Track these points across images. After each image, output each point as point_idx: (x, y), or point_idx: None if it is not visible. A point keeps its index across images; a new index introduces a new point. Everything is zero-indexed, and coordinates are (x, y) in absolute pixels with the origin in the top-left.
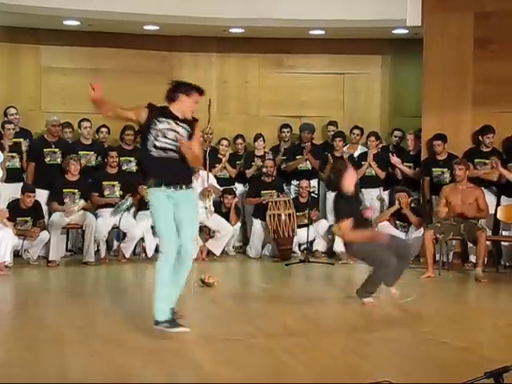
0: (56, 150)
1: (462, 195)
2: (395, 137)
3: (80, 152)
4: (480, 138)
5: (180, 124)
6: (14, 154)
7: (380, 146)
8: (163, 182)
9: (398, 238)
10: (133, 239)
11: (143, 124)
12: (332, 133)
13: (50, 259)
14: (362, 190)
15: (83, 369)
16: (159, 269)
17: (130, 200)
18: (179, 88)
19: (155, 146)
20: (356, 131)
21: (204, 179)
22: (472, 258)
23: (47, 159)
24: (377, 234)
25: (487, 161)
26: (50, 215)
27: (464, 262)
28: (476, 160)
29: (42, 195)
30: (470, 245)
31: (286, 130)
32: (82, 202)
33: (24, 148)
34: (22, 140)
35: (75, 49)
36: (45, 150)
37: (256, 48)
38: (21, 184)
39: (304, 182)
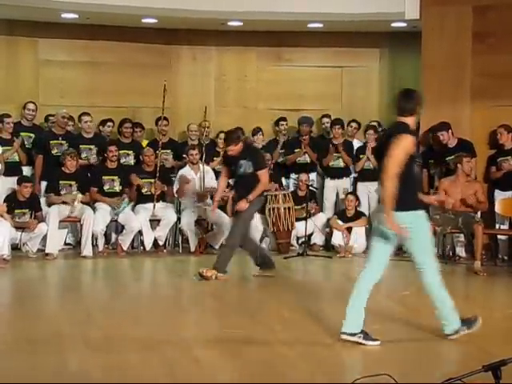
0: (63, 142)
1: (461, 188)
2: None
3: (81, 146)
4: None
5: None
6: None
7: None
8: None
9: None
10: (131, 232)
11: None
12: (327, 125)
13: (46, 252)
14: (361, 183)
15: (82, 361)
16: None
17: (127, 200)
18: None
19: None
20: (353, 124)
21: (201, 172)
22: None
23: (54, 151)
24: None
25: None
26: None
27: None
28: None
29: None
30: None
31: (284, 123)
32: (79, 196)
33: (18, 143)
34: (32, 135)
35: (73, 42)
36: (51, 142)
37: (254, 41)
38: None
39: (304, 176)
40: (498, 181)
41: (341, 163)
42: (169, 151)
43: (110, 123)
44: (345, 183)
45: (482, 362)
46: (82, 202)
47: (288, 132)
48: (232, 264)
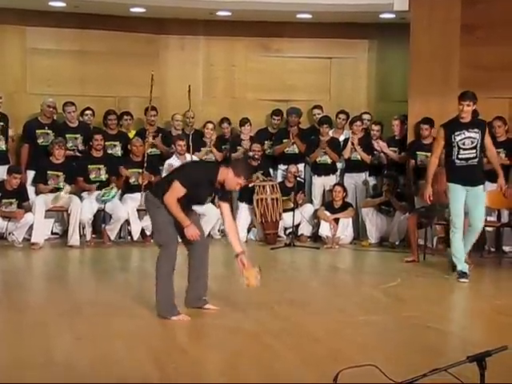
0: (49, 131)
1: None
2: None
3: (67, 135)
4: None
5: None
6: (0, 137)
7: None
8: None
9: None
10: (118, 221)
11: None
12: (318, 116)
13: (32, 241)
14: (348, 174)
15: (68, 351)
16: None
17: (115, 190)
18: None
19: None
20: (342, 116)
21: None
22: None
23: (40, 140)
24: None
25: None
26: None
27: (448, 246)
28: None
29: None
30: None
31: (276, 118)
32: (67, 188)
33: (12, 134)
34: (2, 124)
35: (61, 30)
36: (37, 131)
37: (243, 31)
38: (7, 166)
39: (293, 167)
40: (489, 172)
41: (328, 159)
42: (158, 137)
43: (88, 111)
44: (332, 180)
45: (467, 352)
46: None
47: (279, 125)
48: (219, 254)
